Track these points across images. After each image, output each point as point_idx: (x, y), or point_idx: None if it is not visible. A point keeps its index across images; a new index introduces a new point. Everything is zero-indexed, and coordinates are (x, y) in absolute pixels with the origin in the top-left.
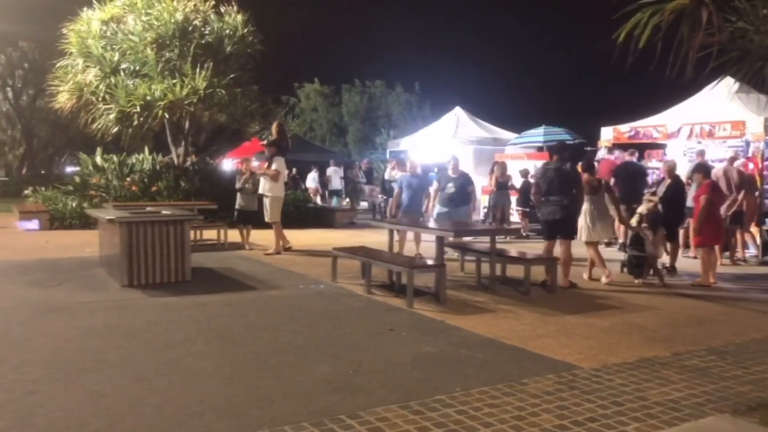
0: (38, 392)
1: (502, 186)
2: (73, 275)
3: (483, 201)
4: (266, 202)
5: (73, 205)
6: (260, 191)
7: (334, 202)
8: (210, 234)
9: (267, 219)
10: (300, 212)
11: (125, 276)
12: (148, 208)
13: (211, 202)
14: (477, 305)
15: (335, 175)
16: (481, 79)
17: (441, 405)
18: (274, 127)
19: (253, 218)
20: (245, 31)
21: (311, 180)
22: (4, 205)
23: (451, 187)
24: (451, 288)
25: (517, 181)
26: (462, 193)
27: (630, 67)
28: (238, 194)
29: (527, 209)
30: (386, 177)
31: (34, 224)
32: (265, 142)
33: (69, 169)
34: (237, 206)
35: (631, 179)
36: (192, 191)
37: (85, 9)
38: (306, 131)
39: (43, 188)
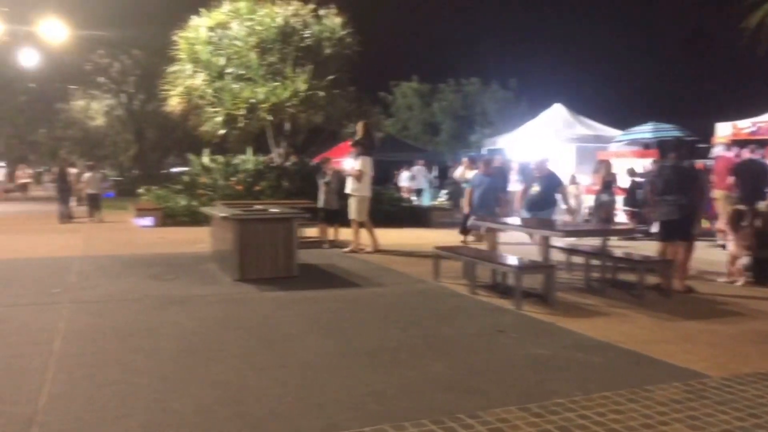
0: (170, 379)
1: (607, 185)
2: (187, 269)
3: (587, 201)
4: (352, 201)
5: (183, 203)
6: (347, 191)
7: (425, 200)
8: (311, 232)
9: (352, 217)
10: (396, 211)
11: (237, 271)
12: (256, 207)
13: (311, 201)
14: (588, 308)
15: (419, 174)
16: (580, 74)
17: (561, 408)
18: (359, 127)
19: (337, 217)
20: (343, 33)
21: (405, 179)
22: (121, 203)
23: (535, 188)
24: (558, 290)
25: (624, 180)
26: (547, 194)
27: (763, 56)
28: (321, 193)
29: (635, 209)
30: (456, 176)
31: (148, 221)
32: (351, 142)
33: (174, 169)
34: (320, 204)
35: (754, 178)
36: (293, 191)
37: (193, 17)
38: (400, 129)
39: (154, 187)
